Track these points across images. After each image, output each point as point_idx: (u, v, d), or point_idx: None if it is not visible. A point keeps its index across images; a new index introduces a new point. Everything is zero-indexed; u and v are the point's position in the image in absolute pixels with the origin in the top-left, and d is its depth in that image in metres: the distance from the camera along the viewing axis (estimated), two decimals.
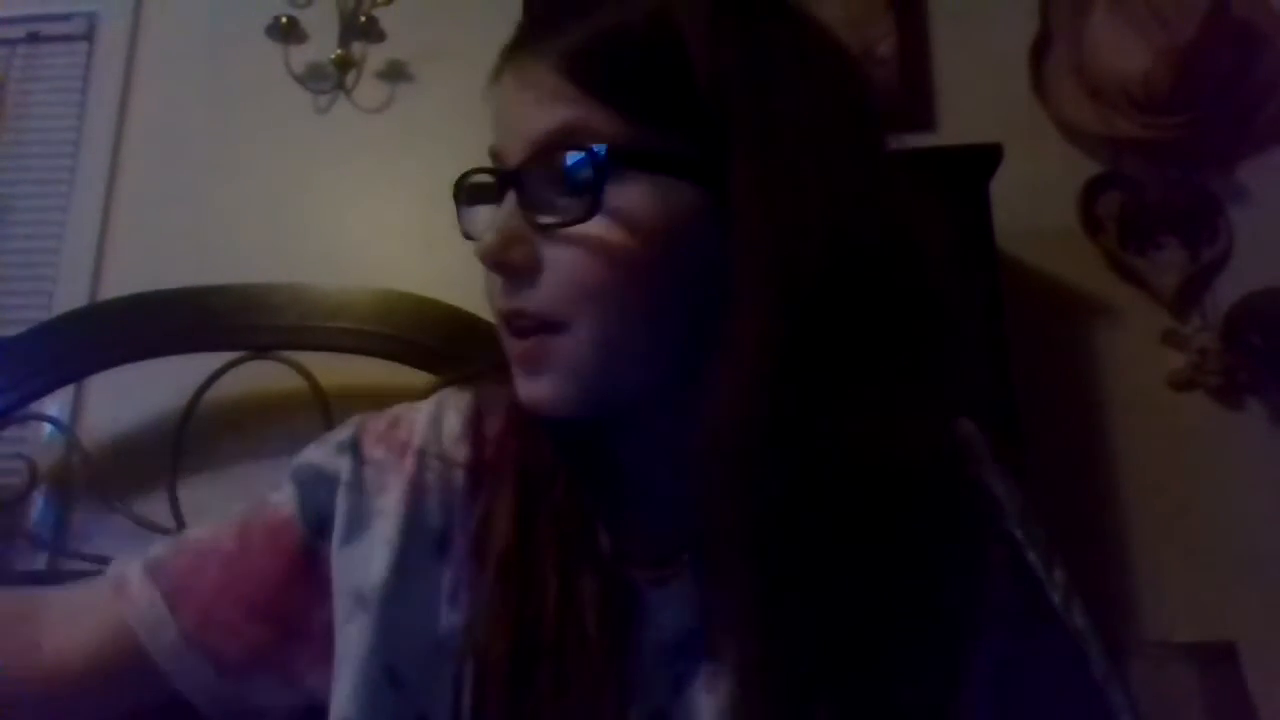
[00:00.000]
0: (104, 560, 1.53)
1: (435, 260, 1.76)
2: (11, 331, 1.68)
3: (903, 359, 0.50)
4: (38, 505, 1.71)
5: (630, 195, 0.49)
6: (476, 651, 0.52)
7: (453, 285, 1.61)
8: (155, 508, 1.59)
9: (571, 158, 0.49)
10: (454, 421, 0.60)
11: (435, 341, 1.56)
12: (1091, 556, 1.51)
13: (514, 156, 0.52)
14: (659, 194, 0.50)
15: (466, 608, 0.54)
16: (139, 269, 1.78)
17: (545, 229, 0.50)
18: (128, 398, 1.73)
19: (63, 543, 1.67)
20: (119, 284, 1.78)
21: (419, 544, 0.55)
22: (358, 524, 0.56)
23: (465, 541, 0.55)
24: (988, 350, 1.39)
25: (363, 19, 1.88)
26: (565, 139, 0.50)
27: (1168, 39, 1.66)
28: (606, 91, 0.50)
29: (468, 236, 0.56)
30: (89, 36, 2.00)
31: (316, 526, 0.57)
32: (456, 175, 0.60)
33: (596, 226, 0.49)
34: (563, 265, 0.50)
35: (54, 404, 1.71)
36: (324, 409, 1.59)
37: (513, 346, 0.53)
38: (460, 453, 0.58)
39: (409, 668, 0.53)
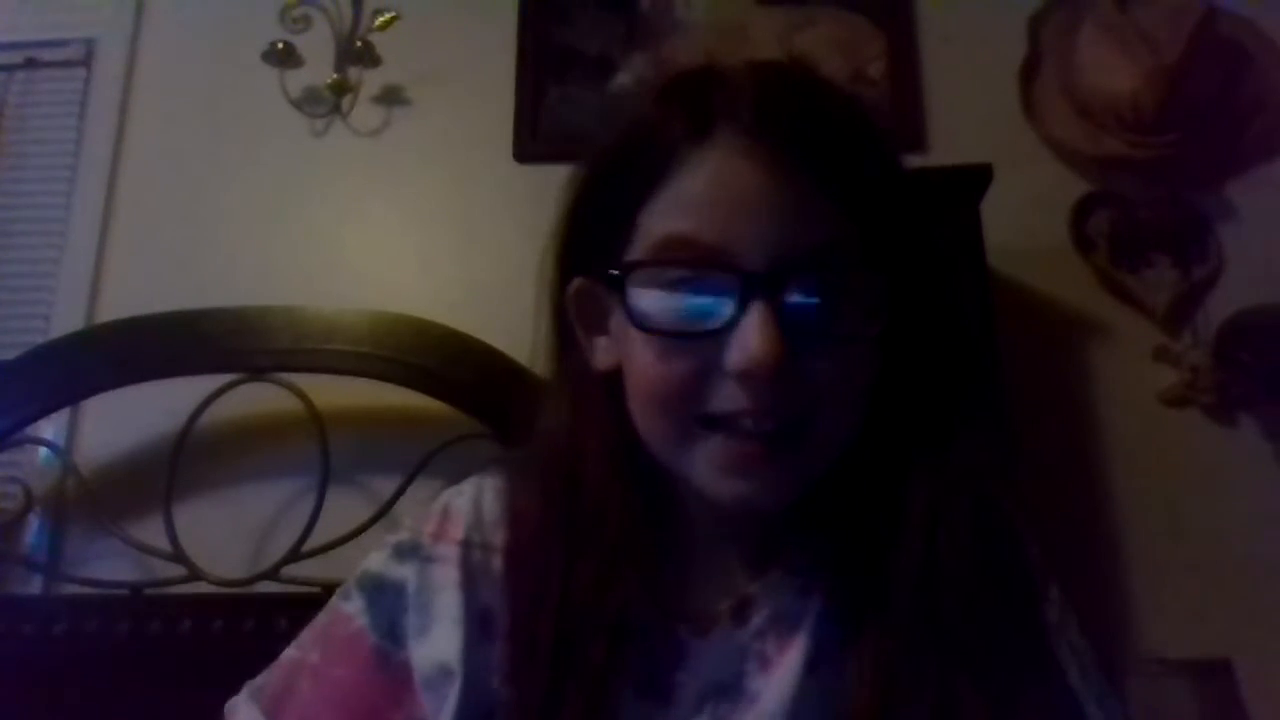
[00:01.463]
0: (99, 584, 1.54)
1: (431, 282, 1.77)
2: (8, 355, 1.68)
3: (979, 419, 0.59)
4: (33, 528, 1.70)
5: (871, 299, 0.52)
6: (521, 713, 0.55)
7: (448, 307, 1.62)
8: (151, 531, 1.58)
9: (851, 279, 0.52)
10: (492, 505, 0.64)
11: (431, 363, 1.57)
12: (1086, 573, 1.51)
13: (760, 260, 0.51)
14: (881, 293, 0.53)
15: (510, 681, 0.57)
16: (135, 292, 1.79)
17: (805, 338, 0.51)
18: (123, 421, 1.73)
19: (58, 566, 1.67)
20: (115, 307, 1.78)
21: (473, 622, 0.59)
22: (428, 615, 0.60)
23: (507, 619, 0.59)
24: (982, 370, 1.41)
25: (358, 44, 1.90)
26: (832, 256, 0.52)
27: (1155, 59, 1.68)
28: (857, 211, 0.52)
29: (646, 327, 0.53)
30: (87, 62, 2.01)
31: (387, 632, 0.61)
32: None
33: (854, 334, 0.52)
34: (822, 373, 0.52)
35: (49, 427, 1.71)
36: (320, 431, 1.59)
37: (723, 446, 0.53)
38: (498, 537, 0.62)
39: None
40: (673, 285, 0.53)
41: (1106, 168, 1.75)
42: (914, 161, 1.69)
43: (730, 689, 0.57)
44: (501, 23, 1.92)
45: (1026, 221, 1.67)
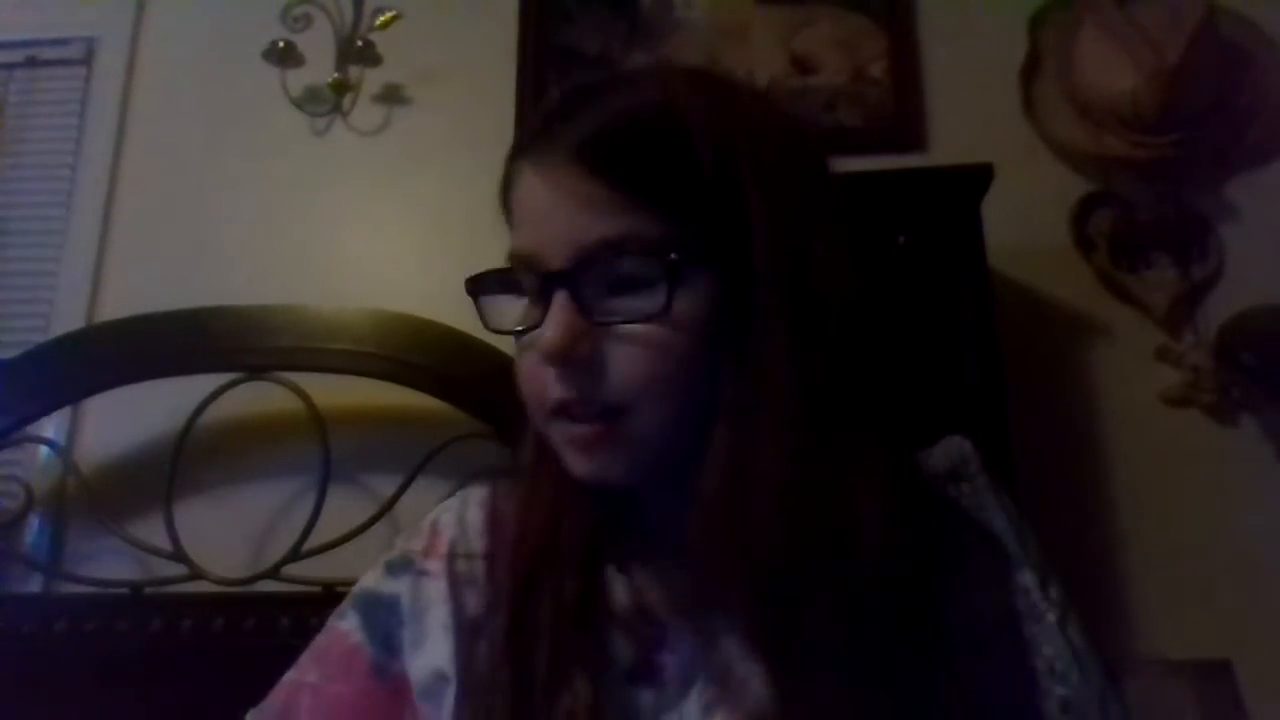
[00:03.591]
0: (99, 583, 1.54)
1: (431, 281, 1.76)
2: (8, 354, 1.69)
3: (873, 407, 0.58)
4: (33, 527, 1.71)
5: (685, 292, 0.54)
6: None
7: (449, 306, 1.61)
8: (151, 530, 1.59)
9: (635, 263, 0.54)
10: (475, 515, 0.67)
11: (432, 362, 1.57)
12: (1087, 573, 1.51)
13: (559, 259, 0.55)
14: (703, 287, 0.55)
15: (506, 665, 0.59)
16: (136, 291, 1.79)
17: (607, 326, 0.55)
18: (124, 420, 1.73)
19: (58, 565, 1.67)
20: (116, 306, 1.79)
21: (463, 629, 0.62)
22: (422, 627, 0.63)
23: (496, 616, 0.61)
24: (981, 368, 1.41)
25: (359, 43, 1.90)
26: (620, 245, 0.54)
27: (1156, 59, 1.68)
28: (644, 194, 0.55)
29: (492, 328, 0.60)
30: (87, 61, 2.02)
31: (384, 646, 0.63)
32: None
33: (653, 325, 0.54)
34: (625, 359, 0.55)
35: (50, 426, 1.71)
36: (320, 430, 1.59)
37: (567, 430, 0.57)
38: (480, 544, 0.65)
39: None
40: (511, 290, 0.59)
41: (1107, 168, 1.75)
42: (915, 161, 1.70)
43: (714, 667, 0.58)
44: (502, 22, 1.92)
45: (1027, 221, 1.67)
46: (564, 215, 0.56)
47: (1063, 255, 1.71)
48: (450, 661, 0.61)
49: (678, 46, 1.87)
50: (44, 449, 1.72)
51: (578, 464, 0.57)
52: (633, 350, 0.55)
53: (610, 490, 0.59)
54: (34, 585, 1.67)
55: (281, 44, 1.88)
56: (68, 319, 1.81)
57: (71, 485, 1.71)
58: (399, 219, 1.85)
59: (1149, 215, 1.72)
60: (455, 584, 0.64)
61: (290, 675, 0.65)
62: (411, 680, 0.62)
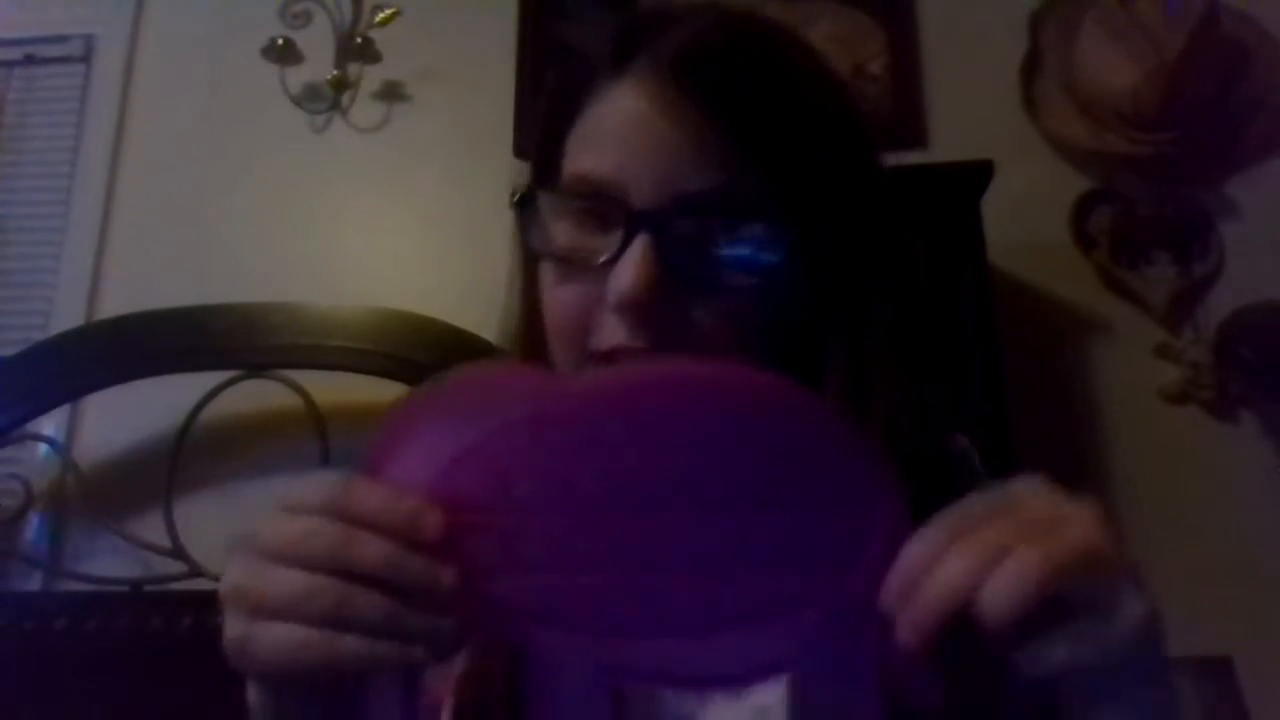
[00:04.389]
0: (99, 580, 1.54)
1: (430, 278, 1.77)
2: (8, 351, 1.69)
3: (911, 370, 0.56)
4: (33, 525, 1.71)
5: (782, 254, 0.51)
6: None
7: (449, 303, 1.61)
8: (151, 527, 1.59)
9: (734, 219, 0.51)
10: None
11: (431, 359, 1.57)
12: None
13: (650, 198, 0.51)
14: (789, 249, 0.51)
15: None
16: (135, 289, 1.79)
17: (691, 279, 0.50)
18: (123, 417, 1.73)
19: (58, 563, 1.67)
20: (115, 304, 1.79)
21: None
22: None
23: None
24: (981, 365, 1.41)
25: (358, 40, 1.89)
26: (722, 197, 0.51)
27: (1156, 56, 1.68)
28: (750, 137, 0.51)
29: (534, 248, 0.56)
30: (86, 58, 2.01)
31: None
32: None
33: (743, 279, 0.51)
34: (702, 319, 0.51)
35: (50, 423, 1.71)
36: (320, 428, 1.59)
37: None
38: None
39: None
40: (572, 216, 0.54)
41: (1107, 164, 1.75)
42: (915, 158, 1.70)
43: None
44: (501, 18, 1.92)
45: (1027, 218, 1.67)
46: (666, 152, 0.51)
47: (1063, 252, 1.71)
48: None
49: None
50: (43, 447, 1.72)
51: None
52: (719, 310, 0.51)
53: None
54: (34, 583, 1.67)
55: (280, 41, 1.88)
56: (67, 316, 1.81)
57: (71, 483, 1.71)
58: (398, 216, 1.85)
59: (1149, 212, 1.71)
60: None
61: None
62: None
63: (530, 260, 0.60)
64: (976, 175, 1.48)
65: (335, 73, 1.90)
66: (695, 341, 0.51)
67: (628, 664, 0.41)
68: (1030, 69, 1.81)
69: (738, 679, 0.42)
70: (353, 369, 1.59)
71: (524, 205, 0.56)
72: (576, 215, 0.54)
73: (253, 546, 0.42)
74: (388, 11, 1.88)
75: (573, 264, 0.53)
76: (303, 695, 0.44)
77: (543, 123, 0.58)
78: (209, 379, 1.63)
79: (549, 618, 0.40)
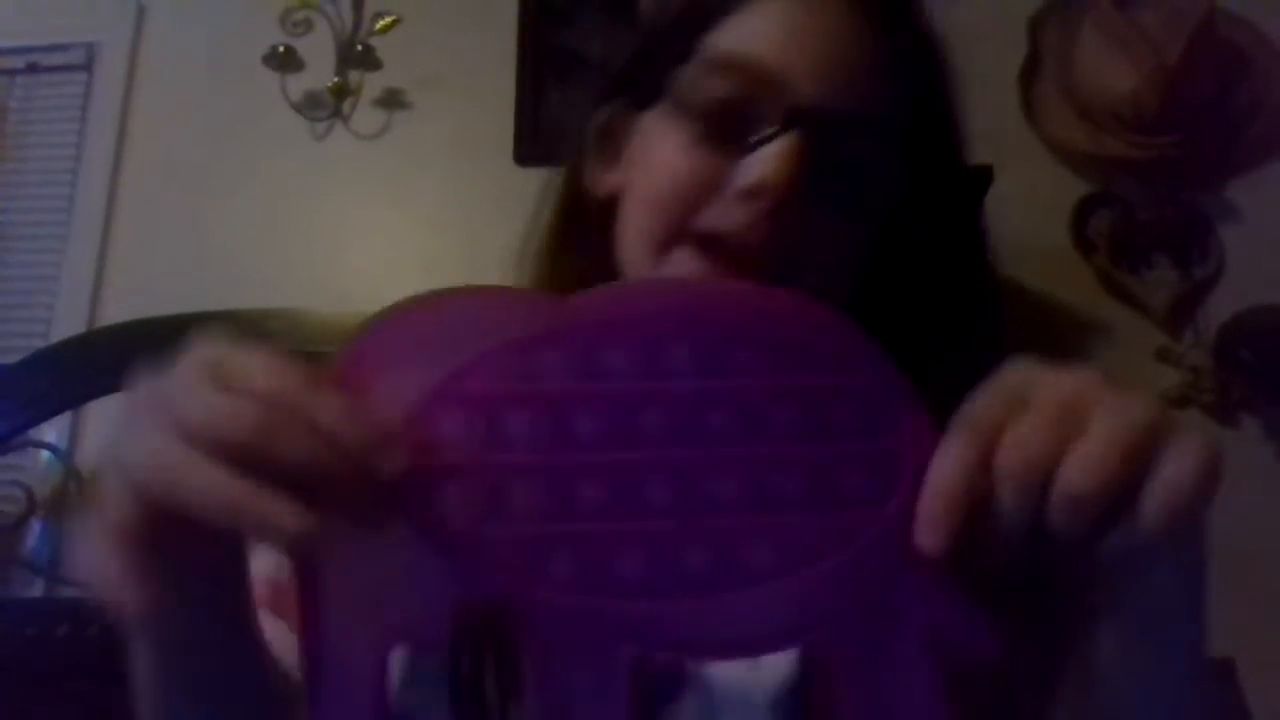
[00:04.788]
0: None
1: (432, 285, 1.77)
2: (9, 358, 1.69)
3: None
4: (35, 532, 1.71)
5: (897, 181, 0.51)
6: None
7: None
8: None
9: (890, 163, 0.50)
10: None
11: None
12: None
13: (815, 98, 0.49)
14: (923, 198, 0.52)
15: None
16: (137, 296, 1.79)
17: (826, 195, 0.49)
18: None
19: (60, 570, 1.67)
20: (117, 311, 1.79)
21: None
22: None
23: None
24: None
25: (359, 47, 1.90)
26: (883, 128, 0.50)
27: (1155, 60, 1.68)
28: (918, 95, 0.53)
29: (684, 104, 0.51)
30: (88, 66, 2.02)
31: None
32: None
33: (876, 208, 0.51)
34: (820, 236, 0.49)
35: (52, 431, 1.71)
36: None
37: (700, 263, 0.49)
38: None
39: None
40: (718, 95, 0.50)
41: (1107, 169, 1.75)
42: None
43: None
44: (501, 26, 1.92)
45: (1027, 222, 1.67)
46: (838, 61, 0.50)
47: (1062, 256, 1.71)
48: None
49: None
50: (45, 454, 1.72)
51: None
52: (837, 239, 0.50)
53: None
54: (36, 590, 1.67)
55: (281, 49, 1.88)
56: (69, 324, 1.81)
57: (73, 490, 1.71)
58: (400, 222, 1.85)
59: (1149, 216, 1.71)
60: None
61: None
62: None
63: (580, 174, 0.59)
64: (977, 180, 1.48)
65: (336, 80, 1.90)
66: (803, 264, 0.49)
67: (643, 629, 0.35)
68: (1029, 73, 1.81)
69: (765, 640, 0.37)
70: None
71: (651, 67, 0.53)
72: (722, 95, 0.50)
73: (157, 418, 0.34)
74: (388, 19, 1.88)
75: (710, 133, 0.50)
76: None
77: (675, 23, 0.56)
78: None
79: (547, 576, 0.35)
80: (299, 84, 1.92)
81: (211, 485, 0.32)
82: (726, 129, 0.49)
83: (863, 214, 0.50)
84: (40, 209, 1.95)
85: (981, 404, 0.36)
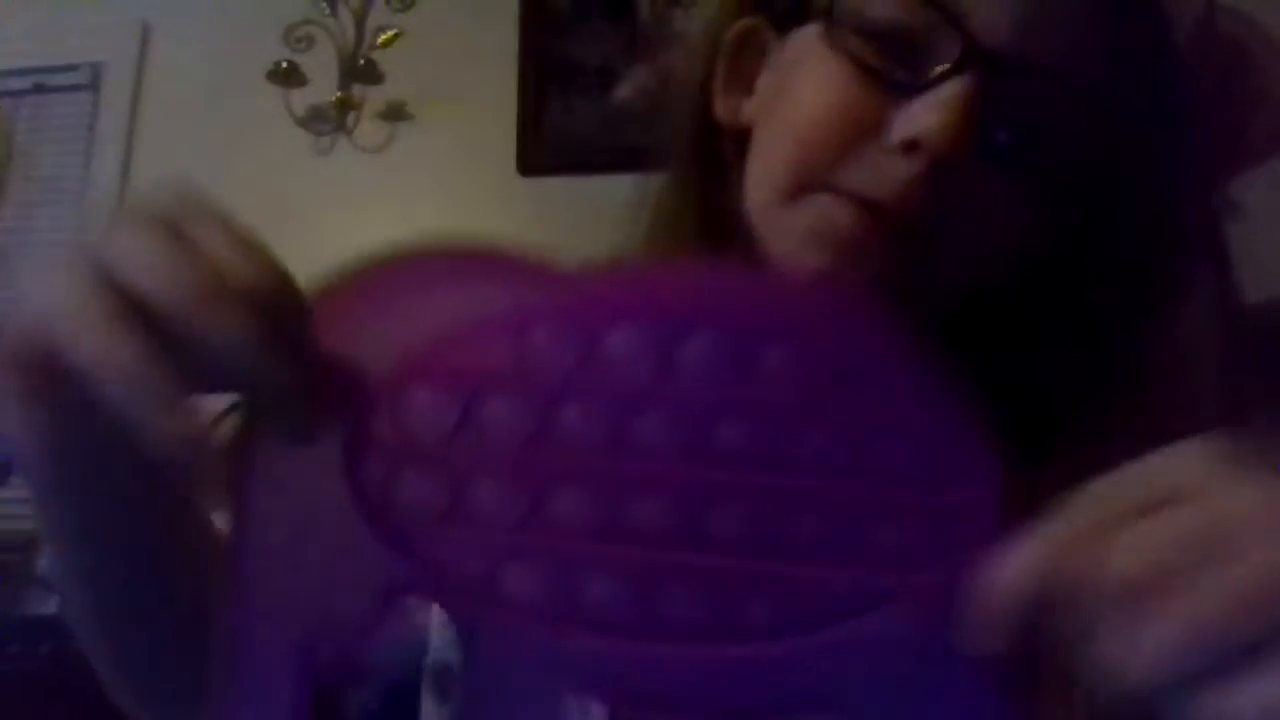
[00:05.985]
0: None
1: None
2: None
3: None
4: (48, 549, 1.72)
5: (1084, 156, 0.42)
6: None
7: None
8: None
9: (1084, 123, 0.41)
10: None
11: None
12: None
13: (1003, 41, 0.39)
14: (1120, 171, 0.43)
15: None
16: None
17: (1003, 166, 0.40)
18: None
19: None
20: None
21: None
22: None
23: None
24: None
25: (362, 62, 1.91)
26: (1082, 81, 0.40)
27: None
28: (1130, 51, 0.43)
29: (841, 27, 0.41)
30: (94, 86, 2.03)
31: None
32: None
33: (1048, 181, 0.42)
34: (978, 199, 0.41)
35: None
36: None
37: (832, 212, 0.40)
38: None
39: None
40: (882, 25, 0.41)
41: None
42: None
43: None
44: (502, 37, 1.93)
45: None
46: (1052, 4, 0.40)
47: None
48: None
49: (677, 58, 1.88)
50: None
51: (810, 259, 0.41)
52: (988, 197, 0.40)
53: None
54: (49, 607, 1.67)
55: (284, 64, 1.89)
56: None
57: None
58: (404, 233, 1.86)
59: None
60: None
61: None
62: None
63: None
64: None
65: (339, 94, 1.91)
66: (960, 234, 0.41)
67: (611, 673, 0.29)
68: None
69: (772, 710, 0.30)
70: None
71: (797, 17, 0.44)
72: (889, 18, 0.40)
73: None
74: (390, 33, 1.90)
75: (869, 66, 0.40)
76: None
77: None
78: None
79: (505, 593, 0.29)
80: (302, 99, 1.93)
81: (107, 348, 0.28)
82: (890, 63, 0.40)
83: (1041, 186, 0.41)
84: (47, 228, 1.97)
85: (1107, 485, 0.27)
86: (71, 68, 2.04)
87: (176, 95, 2.01)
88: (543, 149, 1.85)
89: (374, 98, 1.94)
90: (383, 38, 1.90)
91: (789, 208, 0.42)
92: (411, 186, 1.89)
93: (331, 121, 1.93)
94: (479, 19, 1.96)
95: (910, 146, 0.39)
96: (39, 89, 2.04)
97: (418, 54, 1.92)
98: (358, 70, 1.92)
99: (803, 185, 0.42)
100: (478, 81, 1.92)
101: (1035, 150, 0.41)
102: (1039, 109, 0.40)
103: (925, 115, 0.38)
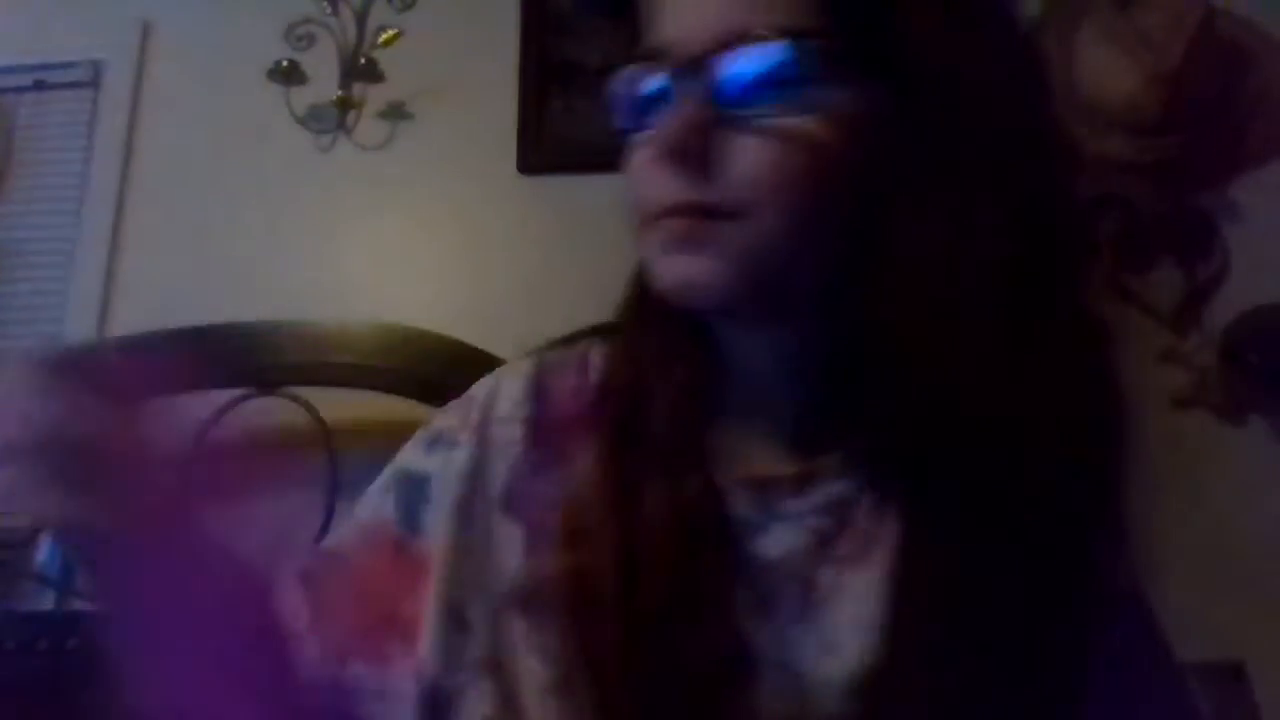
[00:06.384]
0: None
1: (437, 294, 1.78)
2: None
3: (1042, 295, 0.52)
4: (45, 545, 1.71)
5: (829, 91, 0.49)
6: (579, 576, 0.53)
7: (455, 319, 1.62)
8: None
9: (782, 53, 0.48)
10: (513, 386, 0.62)
11: (438, 374, 1.57)
12: None
13: (697, 45, 0.50)
14: (853, 90, 0.50)
15: (549, 549, 0.55)
16: (145, 309, 1.80)
17: (741, 119, 0.49)
18: None
19: (70, 582, 1.67)
20: (125, 325, 1.80)
21: (483, 502, 0.59)
22: (445, 504, 0.59)
23: (541, 489, 0.58)
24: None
25: (362, 61, 1.91)
26: (767, 32, 0.49)
27: (1156, 61, 1.69)
28: (839, 7, 0.50)
29: (620, 126, 0.55)
30: (94, 83, 2.03)
31: (407, 523, 0.60)
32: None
33: (795, 120, 0.49)
34: (752, 152, 0.49)
35: None
36: (328, 444, 1.59)
37: (668, 227, 0.51)
38: (522, 411, 0.61)
39: (476, 614, 0.56)
40: (639, 86, 0.54)
41: (1110, 171, 1.75)
42: None
43: (800, 579, 0.53)
44: (503, 36, 1.94)
45: None
46: (725, 4, 0.50)
47: None
48: (445, 537, 0.57)
49: None
50: None
51: (667, 269, 0.51)
52: (761, 144, 0.49)
53: (701, 320, 0.55)
54: (46, 603, 1.67)
55: (285, 63, 1.89)
56: (78, 338, 1.82)
57: None
58: (404, 233, 1.86)
59: (1153, 217, 1.71)
60: (481, 453, 0.60)
61: (330, 537, 0.65)
62: (432, 560, 0.58)
63: None
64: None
65: (340, 93, 1.92)
66: (737, 178, 0.49)
67: None
68: None
69: None
70: (361, 385, 1.60)
71: (615, 85, 0.55)
72: (638, 85, 0.54)
73: None
74: (390, 32, 1.90)
75: (636, 136, 0.53)
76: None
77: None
78: (218, 397, 1.63)
79: None
80: (303, 97, 1.93)
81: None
82: (642, 110, 0.53)
83: (799, 121, 0.48)
84: (48, 225, 1.97)
85: None
86: (72, 64, 2.04)
87: (177, 92, 2.01)
88: (543, 149, 1.85)
89: (374, 97, 1.94)
90: (384, 37, 1.90)
91: (646, 245, 0.53)
92: (411, 185, 1.89)
93: (332, 120, 1.93)
94: (479, 19, 1.96)
95: (659, 159, 0.50)
96: (39, 86, 2.04)
97: (419, 53, 1.92)
98: (358, 69, 1.92)
99: (645, 226, 0.53)
100: (478, 81, 1.92)
101: (762, 102, 0.48)
102: (753, 71, 0.48)
103: (659, 133, 0.50)
